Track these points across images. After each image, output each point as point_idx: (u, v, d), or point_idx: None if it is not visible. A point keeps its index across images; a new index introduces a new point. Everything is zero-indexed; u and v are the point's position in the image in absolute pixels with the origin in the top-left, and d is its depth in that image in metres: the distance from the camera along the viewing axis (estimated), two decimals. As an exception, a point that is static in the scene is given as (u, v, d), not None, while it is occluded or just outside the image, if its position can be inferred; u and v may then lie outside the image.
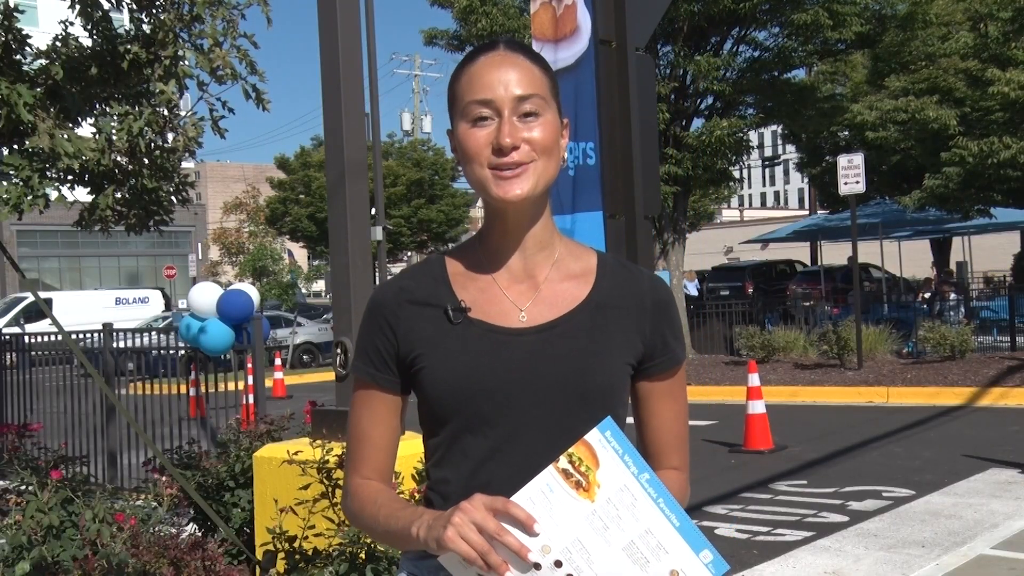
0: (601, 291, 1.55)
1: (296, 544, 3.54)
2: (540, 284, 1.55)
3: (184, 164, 6.18)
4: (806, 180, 36.93)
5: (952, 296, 18.15)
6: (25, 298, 26.27)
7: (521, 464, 1.46)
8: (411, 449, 3.87)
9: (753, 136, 25.06)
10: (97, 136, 5.29)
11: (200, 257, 43.84)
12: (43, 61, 5.40)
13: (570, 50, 3.64)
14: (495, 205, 1.50)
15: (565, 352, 1.50)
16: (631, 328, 1.55)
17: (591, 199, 3.50)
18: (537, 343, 1.50)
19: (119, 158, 5.43)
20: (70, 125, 5.24)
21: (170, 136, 5.64)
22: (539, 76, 1.50)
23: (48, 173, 5.11)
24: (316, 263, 45.74)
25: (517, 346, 1.50)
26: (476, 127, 1.47)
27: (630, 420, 1.58)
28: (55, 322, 4.78)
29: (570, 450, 1.35)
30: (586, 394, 1.48)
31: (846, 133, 22.50)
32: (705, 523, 6.44)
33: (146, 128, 5.30)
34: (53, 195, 5.26)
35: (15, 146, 5.25)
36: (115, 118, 5.43)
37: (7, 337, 9.25)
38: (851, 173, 14.00)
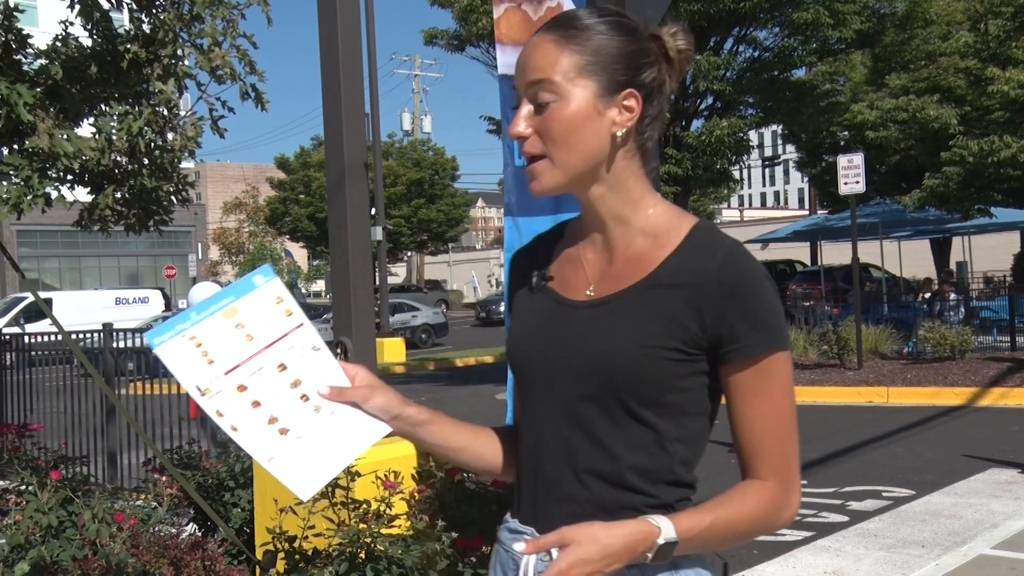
0: (665, 269, 1.44)
1: (296, 544, 3.54)
2: (615, 259, 1.49)
3: (184, 164, 6.18)
4: (806, 180, 36.96)
5: (952, 296, 18.13)
6: (25, 298, 26.26)
7: (535, 438, 1.50)
8: (409, 449, 3.87)
9: (753, 136, 25.06)
10: (97, 136, 5.29)
11: (200, 257, 43.84)
12: (43, 61, 5.39)
13: None
14: None
15: (599, 331, 1.43)
16: (682, 310, 1.40)
17: (549, 202, 3.36)
18: (585, 319, 1.46)
19: (119, 158, 5.42)
20: (70, 125, 5.24)
21: (170, 136, 5.64)
22: (555, 56, 1.41)
23: (48, 173, 5.11)
24: (316, 263, 45.72)
25: (567, 319, 1.48)
26: (515, 112, 1.47)
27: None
28: (55, 322, 4.77)
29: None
30: (609, 375, 1.40)
31: (846, 133, 22.50)
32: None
33: (146, 128, 5.30)
34: (53, 195, 5.25)
35: (15, 146, 5.25)
36: (115, 118, 5.43)
37: (7, 337, 9.25)
38: (851, 173, 13.99)
